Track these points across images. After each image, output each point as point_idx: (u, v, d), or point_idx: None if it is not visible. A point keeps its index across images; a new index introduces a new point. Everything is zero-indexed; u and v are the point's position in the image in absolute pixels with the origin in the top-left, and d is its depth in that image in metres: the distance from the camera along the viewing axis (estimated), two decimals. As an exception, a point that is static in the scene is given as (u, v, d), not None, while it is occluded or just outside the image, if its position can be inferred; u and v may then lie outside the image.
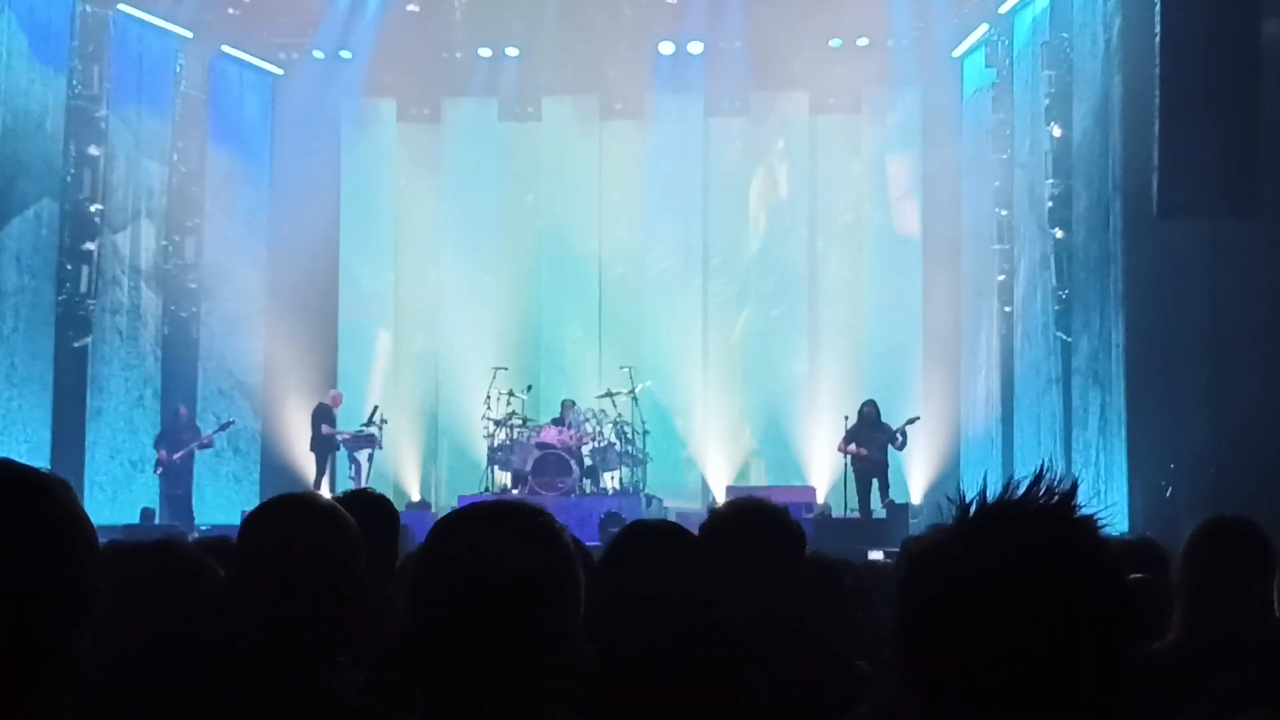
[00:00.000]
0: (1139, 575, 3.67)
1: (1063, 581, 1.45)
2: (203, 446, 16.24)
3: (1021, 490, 1.50)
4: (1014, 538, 1.47)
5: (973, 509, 1.51)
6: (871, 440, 15.79)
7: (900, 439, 15.89)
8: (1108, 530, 1.55)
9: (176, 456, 15.95)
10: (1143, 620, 3.44)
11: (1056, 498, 1.49)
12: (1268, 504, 8.42)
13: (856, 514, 15.70)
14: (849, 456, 15.93)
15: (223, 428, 16.51)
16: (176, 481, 16.09)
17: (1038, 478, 1.50)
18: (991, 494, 1.52)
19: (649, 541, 2.58)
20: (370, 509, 3.80)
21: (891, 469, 16.13)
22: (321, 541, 2.31)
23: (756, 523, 3.15)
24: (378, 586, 2.68)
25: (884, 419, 15.99)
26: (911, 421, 16.14)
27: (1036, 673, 1.43)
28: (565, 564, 1.71)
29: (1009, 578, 1.44)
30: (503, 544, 1.70)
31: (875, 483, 15.87)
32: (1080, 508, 1.49)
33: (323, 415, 17.14)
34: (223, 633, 2.39)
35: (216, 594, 2.67)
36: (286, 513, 2.39)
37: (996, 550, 1.47)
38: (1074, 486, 1.50)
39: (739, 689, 2.42)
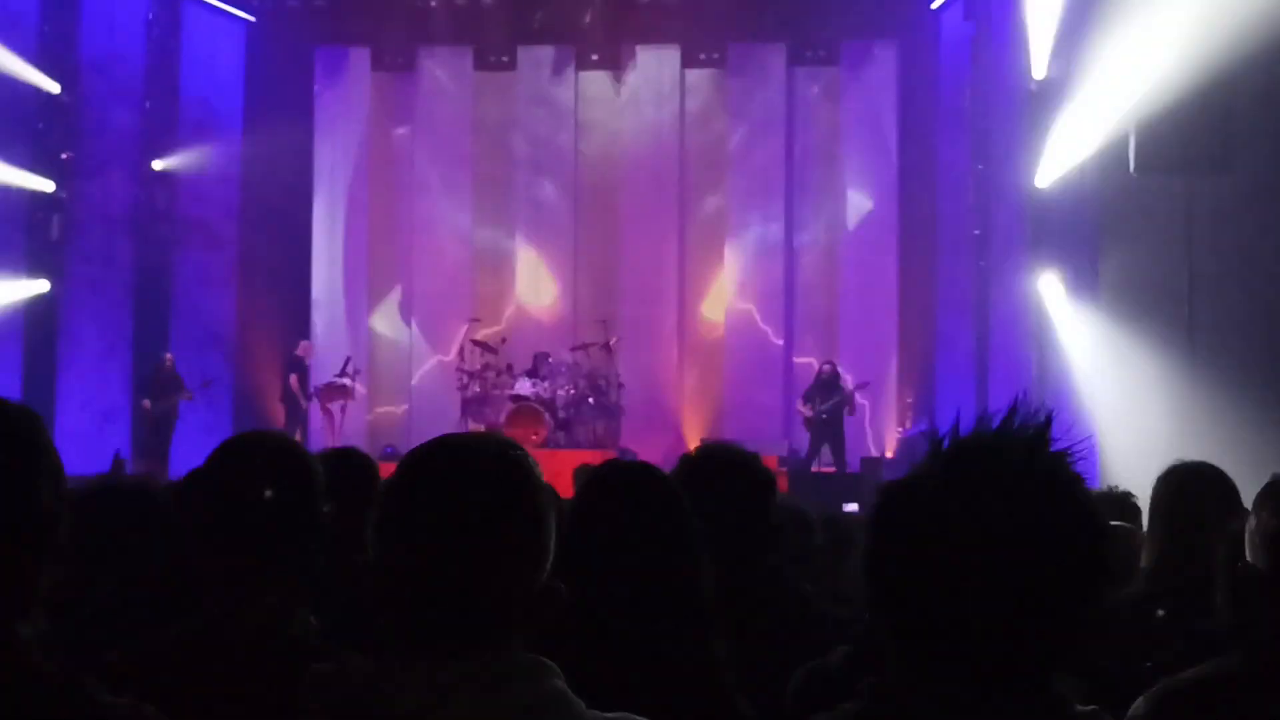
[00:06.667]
0: (1116, 522, 3.69)
1: (1037, 512, 1.44)
2: (183, 399, 16.21)
3: (996, 423, 1.50)
4: (988, 468, 1.46)
5: (946, 442, 1.50)
6: (824, 401, 15.79)
7: (850, 405, 15.92)
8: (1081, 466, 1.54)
9: (159, 408, 15.91)
10: (1118, 560, 3.46)
11: (1032, 430, 1.49)
12: (1239, 463, 8.45)
13: (832, 468, 15.73)
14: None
15: (203, 385, 16.43)
16: (156, 432, 16.05)
17: (1012, 410, 1.50)
18: (966, 429, 1.51)
19: (625, 478, 2.57)
20: (350, 467, 3.80)
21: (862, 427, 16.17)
22: (279, 478, 2.29)
23: (727, 465, 3.16)
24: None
25: (860, 381, 16.04)
26: (860, 386, 16.19)
27: (1009, 606, 1.42)
28: (536, 494, 1.68)
29: (982, 508, 1.43)
30: (473, 472, 1.66)
31: (828, 447, 15.84)
32: (1056, 440, 1.48)
33: (292, 366, 17.09)
34: (185, 571, 2.36)
35: (181, 534, 2.65)
36: (244, 451, 2.36)
37: (970, 481, 1.46)
38: (1049, 418, 1.49)
39: (712, 628, 2.42)
